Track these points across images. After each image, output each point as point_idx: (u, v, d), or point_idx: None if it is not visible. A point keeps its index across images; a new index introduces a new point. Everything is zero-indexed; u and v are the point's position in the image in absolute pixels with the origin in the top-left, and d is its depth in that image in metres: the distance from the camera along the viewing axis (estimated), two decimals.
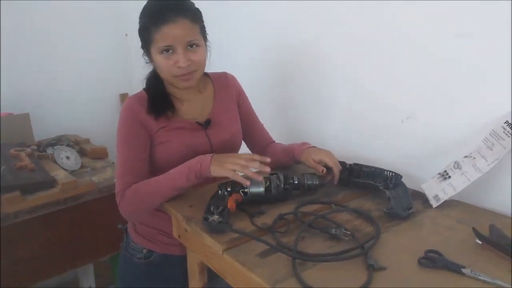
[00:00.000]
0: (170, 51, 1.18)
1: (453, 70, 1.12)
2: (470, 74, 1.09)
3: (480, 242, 0.91)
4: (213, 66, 1.35)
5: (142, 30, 1.22)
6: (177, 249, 1.32)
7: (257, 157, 1.12)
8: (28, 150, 1.96)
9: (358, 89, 1.40)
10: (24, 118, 2.22)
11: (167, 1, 1.19)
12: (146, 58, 1.28)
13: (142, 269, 1.38)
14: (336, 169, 1.21)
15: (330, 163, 1.21)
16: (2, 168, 1.73)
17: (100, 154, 2.16)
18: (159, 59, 1.20)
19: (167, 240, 1.33)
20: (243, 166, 1.07)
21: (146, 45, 1.23)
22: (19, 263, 1.69)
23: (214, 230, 0.97)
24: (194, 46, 1.20)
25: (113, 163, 2.08)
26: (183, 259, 1.30)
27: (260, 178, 1.09)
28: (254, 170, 1.09)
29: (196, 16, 1.22)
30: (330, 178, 1.22)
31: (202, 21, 1.25)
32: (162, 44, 1.17)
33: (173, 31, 1.16)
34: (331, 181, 1.22)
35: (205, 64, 1.27)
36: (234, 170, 1.07)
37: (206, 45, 1.27)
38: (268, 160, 1.11)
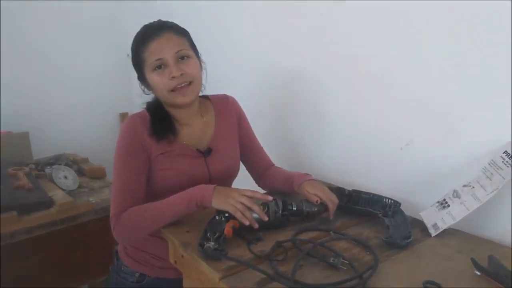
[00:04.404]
0: (162, 66, 1.20)
1: (452, 98, 1.13)
2: (469, 103, 1.10)
3: (479, 273, 0.90)
4: (211, 89, 1.35)
5: (134, 58, 1.24)
6: (171, 272, 1.30)
7: (258, 194, 1.12)
8: (26, 169, 1.96)
9: (357, 115, 1.41)
10: (24, 137, 2.23)
11: (151, 24, 1.24)
12: (144, 89, 1.30)
13: None
14: (332, 205, 1.17)
15: (325, 198, 1.17)
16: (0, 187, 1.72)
17: (98, 174, 2.16)
18: (153, 77, 1.21)
19: (159, 264, 1.32)
20: (244, 209, 1.07)
21: (140, 70, 1.24)
22: (15, 283, 1.66)
23: (209, 257, 0.96)
24: (185, 57, 1.21)
25: (111, 183, 2.07)
26: (175, 282, 1.28)
27: (256, 225, 1.08)
28: (255, 215, 1.08)
29: (181, 30, 1.25)
30: (326, 215, 1.19)
31: (190, 37, 1.27)
32: (152, 60, 1.19)
33: (160, 44, 1.18)
34: (326, 217, 1.19)
35: (201, 78, 1.26)
36: (236, 207, 1.07)
37: (199, 60, 1.28)
38: (270, 198, 1.12)
